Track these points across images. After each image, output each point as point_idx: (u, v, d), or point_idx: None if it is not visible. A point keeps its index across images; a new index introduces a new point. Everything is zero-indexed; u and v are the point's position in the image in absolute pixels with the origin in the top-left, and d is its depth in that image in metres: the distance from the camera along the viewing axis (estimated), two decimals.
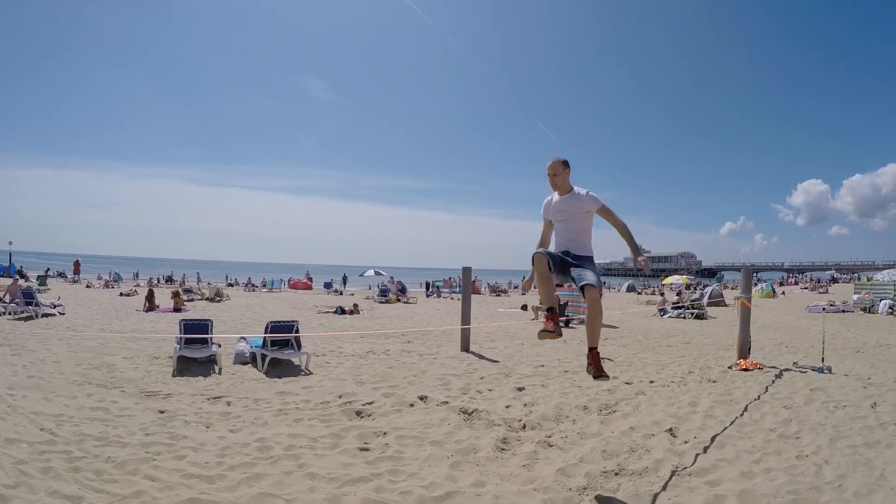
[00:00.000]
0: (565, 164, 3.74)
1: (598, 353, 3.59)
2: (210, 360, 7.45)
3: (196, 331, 7.64)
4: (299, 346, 7.80)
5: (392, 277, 33.11)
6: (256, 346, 7.64)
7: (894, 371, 7.25)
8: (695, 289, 27.86)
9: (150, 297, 14.62)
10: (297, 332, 7.81)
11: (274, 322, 7.79)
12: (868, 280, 19.79)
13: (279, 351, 7.51)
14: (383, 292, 24.69)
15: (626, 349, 10.00)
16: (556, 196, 3.81)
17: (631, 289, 37.29)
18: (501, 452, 4.14)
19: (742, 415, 5.14)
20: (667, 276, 43.00)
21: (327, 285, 33.38)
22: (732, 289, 30.76)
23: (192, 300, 18.46)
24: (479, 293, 31.56)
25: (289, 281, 36.05)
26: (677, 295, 21.53)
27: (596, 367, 3.53)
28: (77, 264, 34.67)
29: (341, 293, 29.39)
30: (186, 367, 7.12)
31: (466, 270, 10.58)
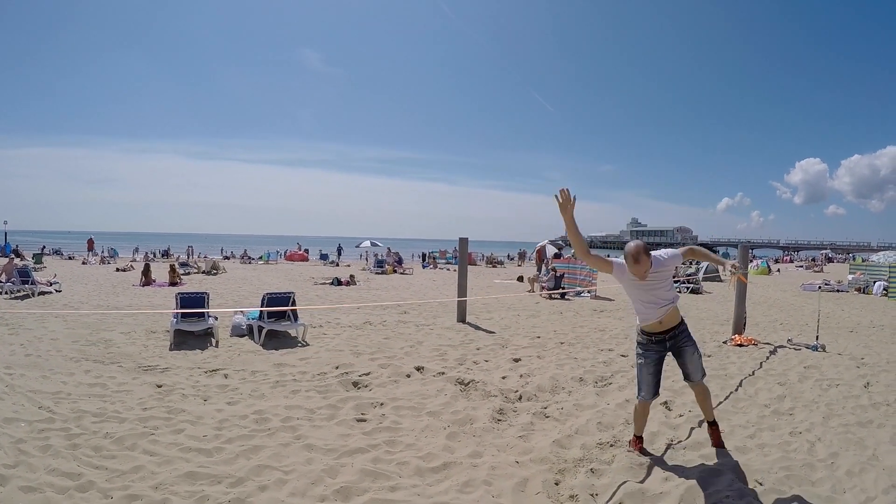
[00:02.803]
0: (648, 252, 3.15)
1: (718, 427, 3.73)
2: (207, 333, 7.45)
3: (193, 304, 7.61)
4: (296, 318, 7.82)
5: (389, 248, 33.13)
6: (253, 319, 7.63)
7: (888, 352, 7.26)
8: (690, 263, 27.82)
9: (146, 271, 14.56)
10: (293, 303, 7.80)
11: (270, 294, 7.76)
12: (863, 261, 19.88)
13: (276, 323, 7.53)
14: (379, 263, 24.83)
15: (621, 322, 10.04)
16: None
17: None
18: (498, 423, 4.18)
19: (737, 390, 5.19)
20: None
21: (324, 257, 33.47)
22: (753, 260, 30.83)
23: (188, 274, 18.39)
24: (475, 264, 31.71)
25: (285, 253, 35.96)
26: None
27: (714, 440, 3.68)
28: (91, 242, 34.07)
29: (337, 264, 29.57)
30: (183, 340, 7.13)
31: (463, 241, 10.52)
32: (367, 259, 32.23)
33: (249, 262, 28.86)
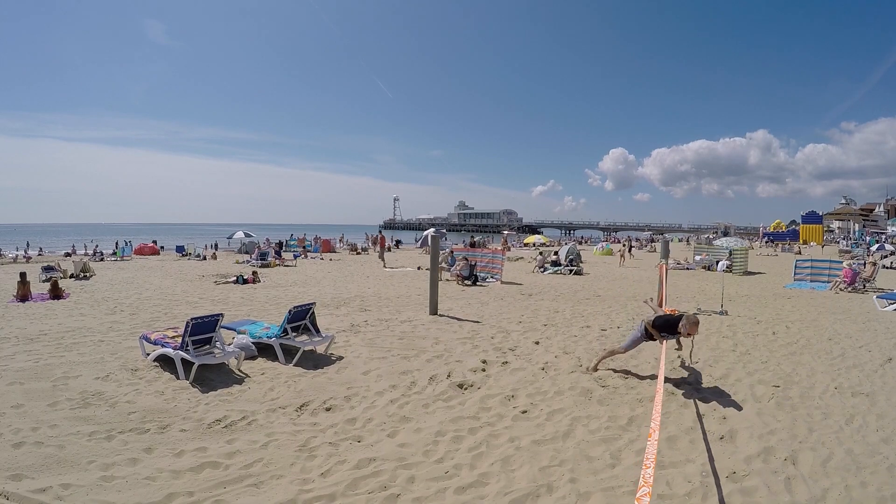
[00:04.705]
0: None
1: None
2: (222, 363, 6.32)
3: (204, 330, 6.35)
4: (317, 330, 7.20)
5: (268, 239, 31.24)
6: (271, 336, 6.95)
7: (768, 312, 10.18)
8: (557, 247, 32.12)
9: (23, 280, 11.96)
10: (313, 315, 7.28)
11: (297, 307, 7.11)
12: (707, 244, 25.49)
13: (306, 339, 6.93)
14: (262, 256, 23.71)
15: (555, 302, 11.61)
16: None
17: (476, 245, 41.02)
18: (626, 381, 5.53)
19: (704, 342, 7.44)
20: (528, 237, 49.28)
21: (180, 249, 30.24)
22: (585, 241, 35.22)
23: (50, 279, 15.34)
24: (335, 251, 32.14)
25: (127, 245, 31.01)
26: (540, 255, 24.65)
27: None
28: None
29: (204, 258, 27.19)
30: (194, 373, 5.92)
31: (435, 239, 11.16)
32: (240, 251, 30.05)
33: (102, 259, 24.58)
